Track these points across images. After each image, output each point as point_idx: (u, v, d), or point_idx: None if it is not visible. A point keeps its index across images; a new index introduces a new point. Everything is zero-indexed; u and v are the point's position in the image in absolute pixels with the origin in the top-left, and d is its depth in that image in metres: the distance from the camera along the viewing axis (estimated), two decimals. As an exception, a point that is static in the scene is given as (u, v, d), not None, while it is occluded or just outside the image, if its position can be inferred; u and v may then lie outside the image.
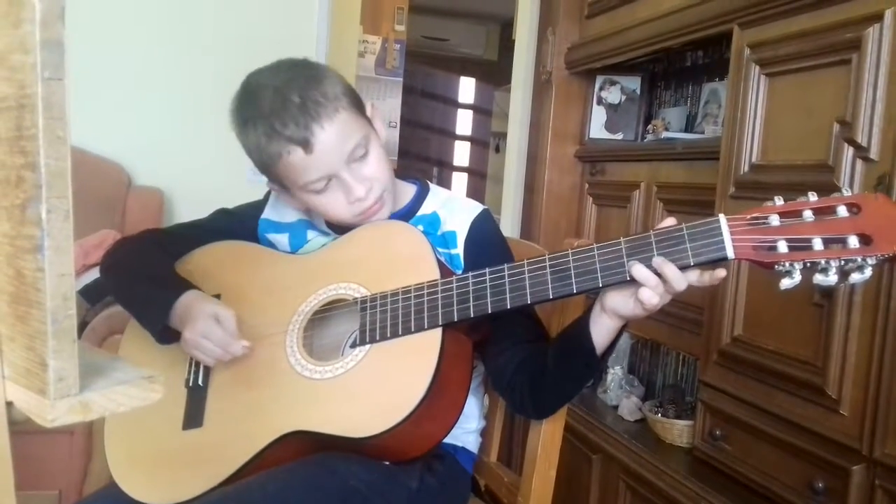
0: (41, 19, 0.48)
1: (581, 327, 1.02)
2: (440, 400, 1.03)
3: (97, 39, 2.91)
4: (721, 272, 0.93)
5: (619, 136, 2.49)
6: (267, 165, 1.15)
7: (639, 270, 0.92)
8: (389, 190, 1.19)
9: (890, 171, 1.31)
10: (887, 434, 1.32)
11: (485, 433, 1.31)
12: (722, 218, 0.91)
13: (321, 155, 1.09)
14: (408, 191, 1.26)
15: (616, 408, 2.22)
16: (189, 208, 2.97)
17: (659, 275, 0.92)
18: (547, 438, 1.16)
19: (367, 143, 1.15)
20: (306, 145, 1.08)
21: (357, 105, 1.15)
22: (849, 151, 1.39)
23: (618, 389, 2.27)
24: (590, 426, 2.11)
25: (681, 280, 0.92)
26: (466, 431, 1.24)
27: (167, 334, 1.15)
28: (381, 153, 1.18)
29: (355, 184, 1.13)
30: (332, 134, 1.09)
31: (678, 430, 1.93)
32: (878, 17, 1.34)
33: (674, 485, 1.74)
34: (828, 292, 1.41)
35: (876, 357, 1.33)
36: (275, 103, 1.08)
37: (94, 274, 2.32)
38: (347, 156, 1.12)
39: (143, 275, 1.21)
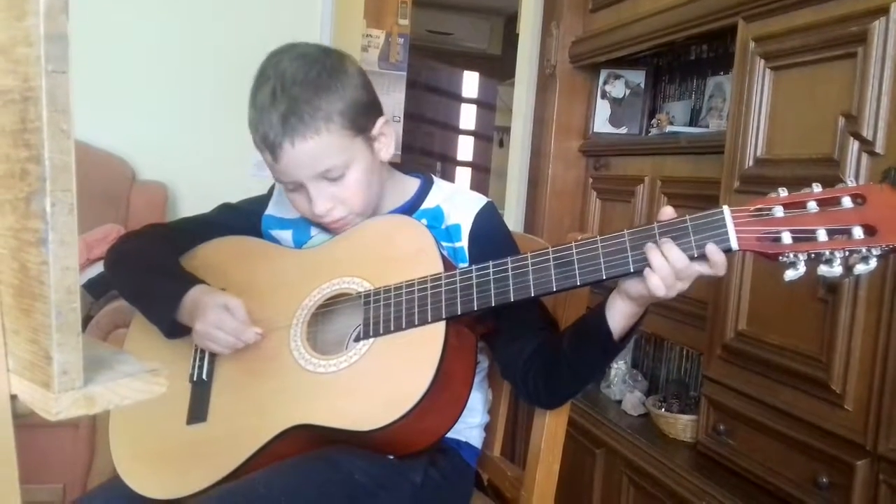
0: (45, 12, 0.48)
1: (598, 311, 1.03)
2: (444, 393, 1.03)
3: (101, 32, 2.90)
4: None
5: (624, 131, 2.49)
6: (256, 144, 1.16)
7: (654, 257, 0.92)
8: (359, 213, 1.17)
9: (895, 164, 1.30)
10: (891, 429, 1.31)
11: (488, 428, 1.31)
12: (726, 209, 0.91)
13: (286, 166, 1.10)
14: (411, 185, 1.26)
15: (619, 402, 2.22)
16: (193, 202, 2.97)
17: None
18: (550, 433, 1.17)
19: (347, 168, 1.12)
20: (273, 153, 1.09)
21: (354, 127, 1.12)
22: (854, 145, 1.38)
23: (621, 384, 2.27)
24: (593, 421, 2.11)
25: (682, 260, 0.91)
26: (470, 426, 1.24)
27: (175, 328, 1.16)
28: (365, 179, 1.15)
29: (317, 199, 1.13)
30: (301, 153, 1.08)
31: (682, 425, 1.93)
32: (883, 11, 1.33)
33: (677, 480, 1.74)
34: (832, 287, 1.41)
35: (880, 352, 1.33)
36: (264, 100, 1.09)
37: (99, 268, 2.32)
38: (317, 173, 1.11)
39: (150, 269, 1.21)
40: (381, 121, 1.17)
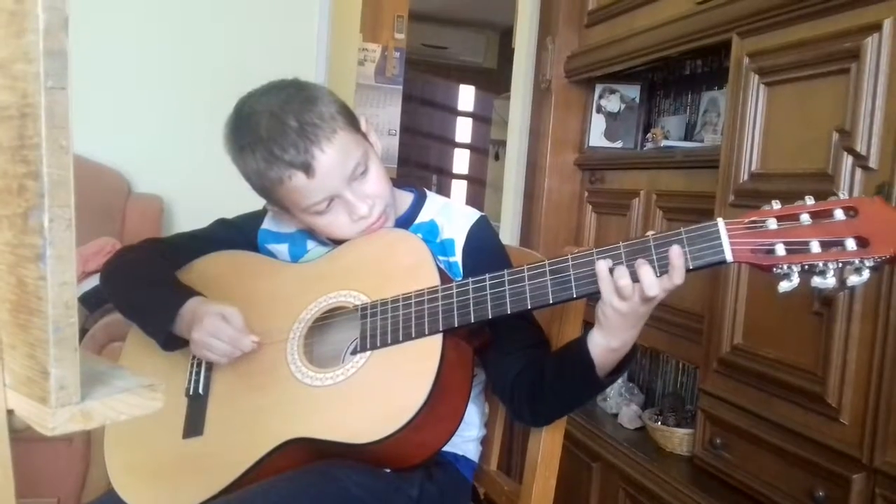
0: (44, 29, 0.48)
1: (580, 341, 1.03)
2: (441, 406, 1.03)
3: (97, 47, 2.91)
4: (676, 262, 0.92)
5: (619, 145, 2.50)
6: (267, 190, 1.15)
7: (601, 268, 0.93)
8: (391, 204, 1.19)
9: (889, 179, 1.31)
10: (887, 442, 1.32)
11: (485, 441, 1.31)
12: (720, 222, 0.91)
13: (323, 177, 1.09)
14: (405, 199, 1.27)
15: (616, 416, 2.22)
16: (188, 216, 2.97)
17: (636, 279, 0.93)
18: (547, 447, 1.16)
19: (367, 161, 1.15)
20: (308, 169, 1.08)
21: (352, 123, 1.15)
22: (848, 160, 1.39)
23: (617, 397, 2.27)
24: (590, 434, 2.11)
25: (653, 286, 0.92)
26: (467, 440, 1.24)
27: (172, 341, 1.16)
28: (381, 168, 1.18)
29: (358, 202, 1.13)
30: (332, 155, 1.09)
31: (678, 439, 1.92)
32: (876, 27, 1.34)
33: (674, 493, 1.74)
34: (827, 301, 1.41)
35: (876, 365, 1.33)
36: (272, 128, 1.08)
37: (94, 281, 2.31)
38: (349, 175, 1.12)
39: (146, 283, 1.21)
40: (362, 119, 1.20)
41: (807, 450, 1.46)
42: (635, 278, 0.92)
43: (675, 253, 0.91)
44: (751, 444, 1.62)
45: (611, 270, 0.94)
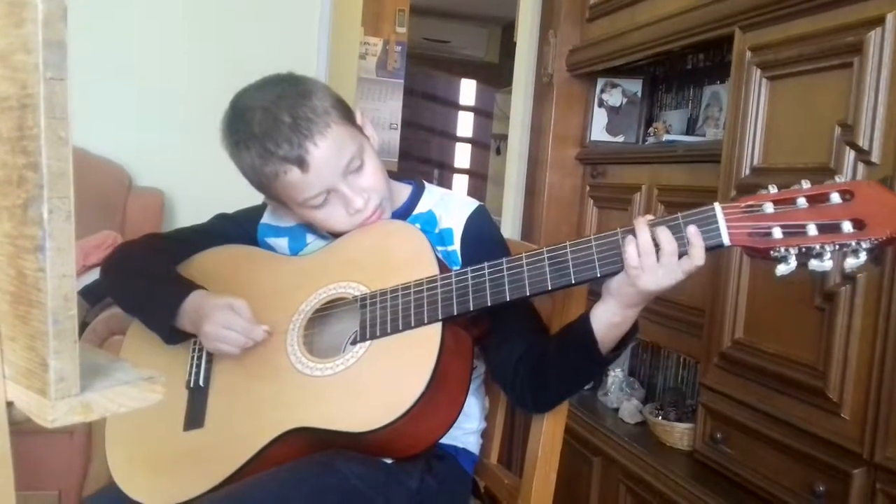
0: (43, 19, 0.48)
1: (583, 317, 1.03)
2: (440, 394, 1.04)
3: (98, 39, 2.90)
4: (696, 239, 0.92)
5: (621, 139, 2.49)
6: (264, 185, 1.15)
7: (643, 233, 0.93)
8: (387, 198, 1.19)
9: (892, 174, 1.31)
10: (888, 437, 1.31)
11: (485, 434, 1.31)
12: (717, 206, 0.92)
13: (317, 171, 1.10)
14: (403, 191, 1.27)
15: (616, 410, 2.22)
16: (189, 209, 2.97)
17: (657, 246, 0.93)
18: (547, 441, 1.17)
19: (362, 154, 1.15)
20: (302, 164, 1.09)
21: (347, 116, 1.15)
22: (850, 154, 1.39)
23: (618, 392, 2.27)
24: (590, 429, 2.11)
25: (670, 241, 0.92)
26: (467, 432, 1.24)
27: (175, 335, 1.16)
28: (376, 162, 1.18)
29: (354, 196, 1.14)
30: (326, 149, 1.09)
31: (679, 433, 1.92)
32: (879, 21, 1.34)
33: (674, 488, 1.74)
34: (829, 295, 1.41)
35: (877, 360, 1.33)
36: (265, 124, 1.09)
37: (94, 275, 2.31)
38: (343, 169, 1.12)
39: (148, 278, 1.21)
40: (358, 112, 1.20)
41: (807, 444, 1.46)
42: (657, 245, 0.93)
43: (693, 231, 0.92)
44: (751, 438, 1.62)
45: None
